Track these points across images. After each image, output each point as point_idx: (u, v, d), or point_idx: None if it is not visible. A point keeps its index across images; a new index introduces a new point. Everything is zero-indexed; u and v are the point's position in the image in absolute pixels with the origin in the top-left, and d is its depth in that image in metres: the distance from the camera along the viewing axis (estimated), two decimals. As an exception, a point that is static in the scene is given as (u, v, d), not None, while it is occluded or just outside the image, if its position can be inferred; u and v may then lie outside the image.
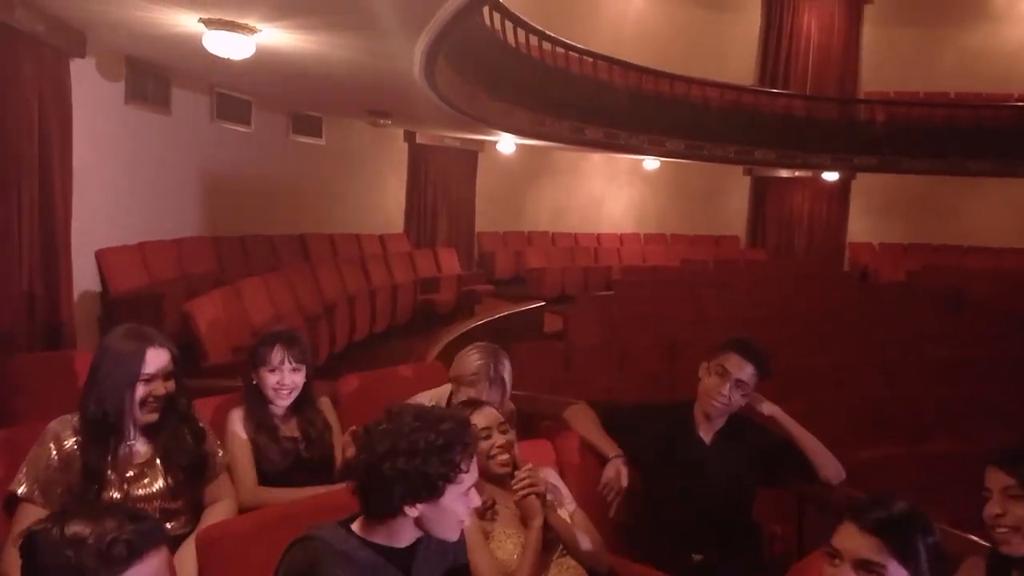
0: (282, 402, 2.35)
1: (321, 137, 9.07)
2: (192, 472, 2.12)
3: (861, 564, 1.39)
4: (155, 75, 6.17)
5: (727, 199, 14.53)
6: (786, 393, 5.25)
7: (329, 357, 6.11)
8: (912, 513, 1.44)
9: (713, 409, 2.27)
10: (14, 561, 1.79)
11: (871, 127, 12.10)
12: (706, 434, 2.32)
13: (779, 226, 14.19)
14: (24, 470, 1.92)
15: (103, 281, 5.61)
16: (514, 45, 8.46)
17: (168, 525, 2.05)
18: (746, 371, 2.24)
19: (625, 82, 10.59)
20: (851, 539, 1.40)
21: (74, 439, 1.97)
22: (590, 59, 10.17)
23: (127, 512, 1.23)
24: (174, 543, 1.99)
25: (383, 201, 10.36)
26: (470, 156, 11.20)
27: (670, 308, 8.20)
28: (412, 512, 1.48)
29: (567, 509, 2.04)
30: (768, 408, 2.28)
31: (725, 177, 13.87)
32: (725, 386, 2.23)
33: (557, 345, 6.67)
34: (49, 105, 4.35)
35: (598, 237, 14.05)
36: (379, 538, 1.52)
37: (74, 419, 2.01)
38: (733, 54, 13.46)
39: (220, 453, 2.23)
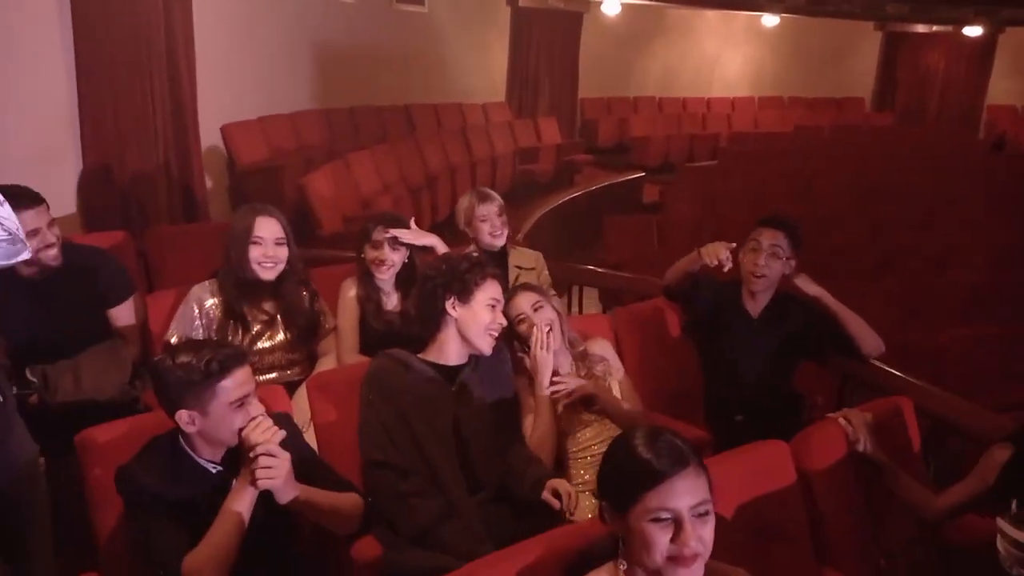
0: (382, 276, 2.63)
1: (423, 4, 9.08)
2: (306, 329, 2.54)
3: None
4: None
5: (854, 58, 13.48)
6: (883, 270, 5.23)
7: (432, 227, 6.50)
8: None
9: (755, 284, 2.47)
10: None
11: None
12: (753, 309, 2.53)
13: (910, 87, 13.14)
14: (174, 324, 2.40)
15: (229, 154, 6.13)
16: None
17: (288, 372, 2.51)
18: (778, 239, 2.44)
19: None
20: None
21: (212, 300, 2.42)
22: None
23: (217, 344, 1.78)
24: (293, 387, 2.45)
25: (486, 68, 10.36)
26: (574, 18, 10.87)
27: (776, 180, 7.99)
28: (452, 311, 1.96)
29: (615, 378, 2.31)
30: (814, 289, 2.44)
31: (852, 34, 12.82)
32: (761, 257, 2.44)
33: (651, 219, 6.73)
34: (171, -11, 4.68)
35: (708, 102, 13.51)
36: (431, 357, 2.01)
37: (211, 284, 2.45)
38: None
39: (329, 315, 2.63)
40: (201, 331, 2.38)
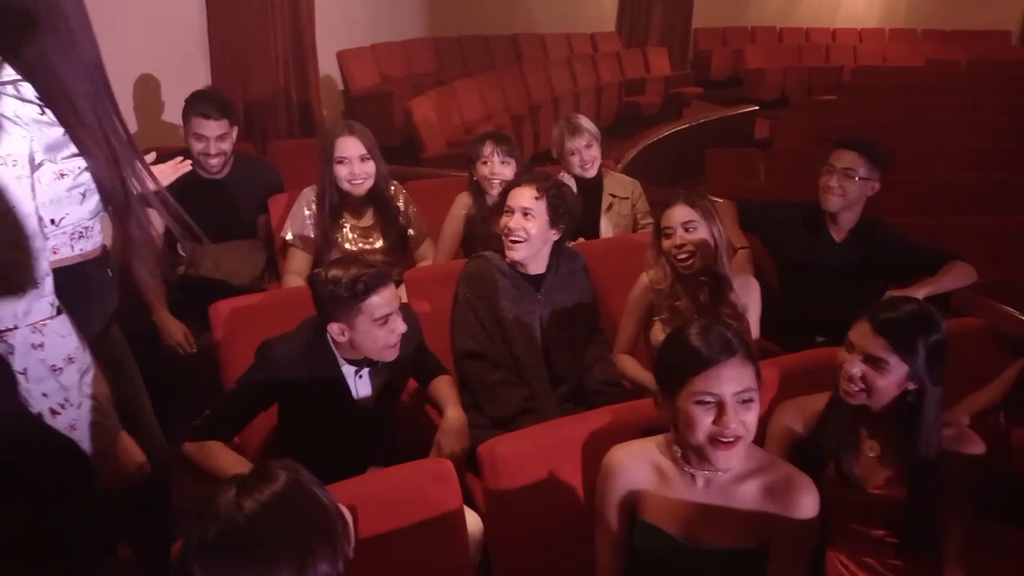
0: (494, 191, 2.72)
1: (535, -69, 8.98)
2: (400, 237, 2.76)
3: (868, 359, 1.54)
4: None
5: (1002, -15, 12.31)
6: (986, 207, 4.97)
7: (534, 156, 6.61)
8: (919, 313, 1.54)
9: (832, 204, 2.49)
10: (291, 284, 2.58)
11: None
12: (837, 233, 2.54)
13: (1066, 18, 11.87)
14: (289, 221, 2.67)
15: (344, 79, 6.43)
16: None
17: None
18: (851, 160, 2.45)
19: None
20: (864, 336, 1.54)
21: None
22: None
23: (366, 263, 1.78)
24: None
25: (596, -3, 10.19)
26: (691, -57, 10.44)
27: (896, 114, 7.58)
28: None
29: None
30: None
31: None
32: (833, 178, 2.46)
33: (757, 152, 6.56)
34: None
35: (833, 33, 12.74)
36: (518, 267, 2.18)
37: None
38: None
39: (423, 223, 2.81)
40: (312, 229, 2.64)
